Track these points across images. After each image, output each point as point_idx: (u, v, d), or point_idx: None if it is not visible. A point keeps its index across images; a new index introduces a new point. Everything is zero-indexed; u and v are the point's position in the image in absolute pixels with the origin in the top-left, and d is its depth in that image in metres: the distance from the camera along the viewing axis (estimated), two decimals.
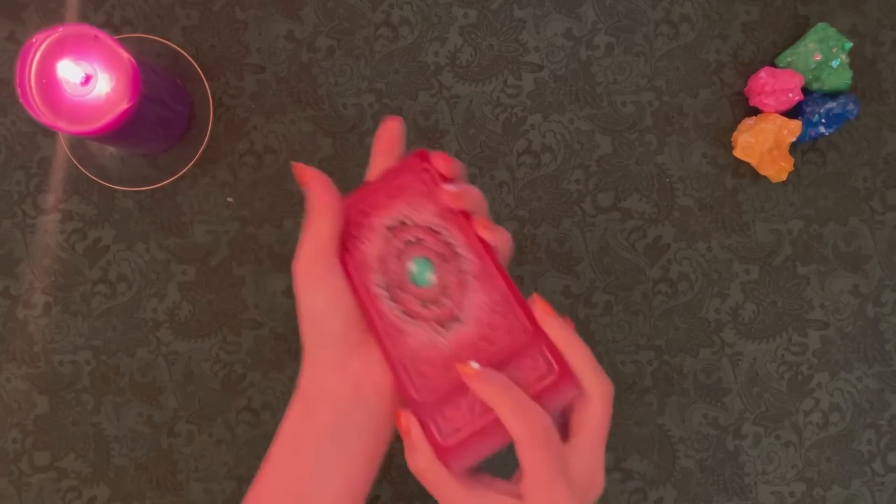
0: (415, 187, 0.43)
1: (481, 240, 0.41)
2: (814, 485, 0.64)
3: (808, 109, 0.62)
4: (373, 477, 0.42)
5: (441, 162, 0.42)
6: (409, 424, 0.39)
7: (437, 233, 0.42)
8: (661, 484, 0.64)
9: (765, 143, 0.61)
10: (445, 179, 0.42)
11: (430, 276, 0.41)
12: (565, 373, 0.39)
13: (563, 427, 0.41)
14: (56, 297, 0.63)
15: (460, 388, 0.39)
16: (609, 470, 0.63)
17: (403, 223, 0.42)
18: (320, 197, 0.41)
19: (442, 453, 0.38)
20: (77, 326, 0.63)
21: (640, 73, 0.64)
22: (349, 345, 0.41)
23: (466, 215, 0.42)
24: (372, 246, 0.42)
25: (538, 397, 0.38)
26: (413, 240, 0.42)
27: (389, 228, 0.42)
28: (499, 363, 0.39)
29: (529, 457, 0.37)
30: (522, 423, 0.37)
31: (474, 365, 0.39)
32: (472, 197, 0.42)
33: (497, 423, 0.38)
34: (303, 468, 0.41)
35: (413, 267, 0.41)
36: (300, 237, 0.41)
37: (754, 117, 0.62)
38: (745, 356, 0.64)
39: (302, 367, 0.42)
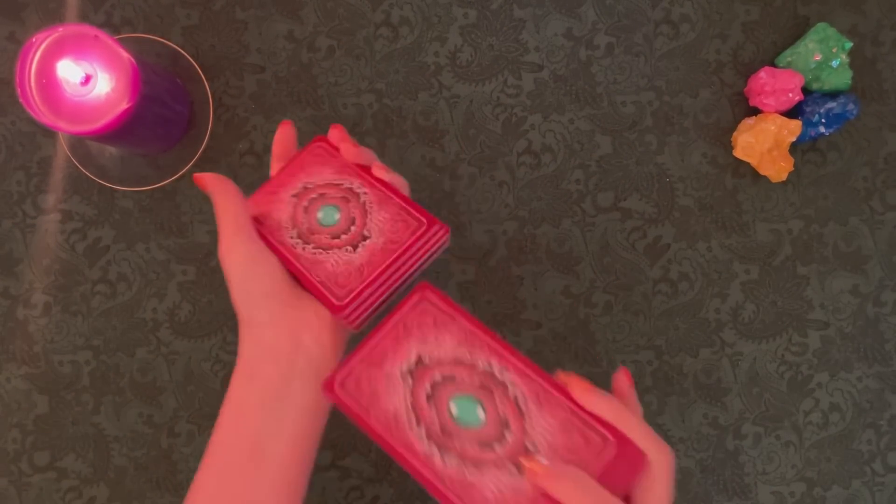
0: (312, 161, 0.48)
1: (379, 180, 0.46)
2: (814, 485, 0.64)
3: (808, 109, 0.62)
4: (321, 426, 0.44)
5: (336, 132, 0.48)
6: None
7: (337, 185, 0.46)
8: None
9: (765, 143, 0.61)
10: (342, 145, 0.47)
11: (336, 215, 0.45)
12: (622, 441, 0.37)
13: (625, 497, 0.38)
14: (56, 297, 0.63)
15: (373, 287, 0.42)
16: None
17: (306, 188, 0.47)
18: (218, 186, 0.45)
19: None
20: (77, 326, 0.63)
21: (640, 73, 0.64)
22: (282, 301, 0.43)
23: (364, 168, 0.47)
24: (281, 212, 0.46)
25: (601, 473, 0.36)
26: (316, 196, 0.46)
27: (294, 196, 0.47)
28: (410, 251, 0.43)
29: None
30: None
31: (542, 460, 0.36)
32: (365, 152, 0.47)
33: None
34: (251, 426, 0.42)
35: (320, 213, 0.45)
36: (217, 225, 0.44)
37: (754, 117, 0.62)
38: (745, 356, 0.64)
39: (240, 335, 0.43)
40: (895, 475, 0.64)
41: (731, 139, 0.63)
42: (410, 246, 0.43)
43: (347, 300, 0.42)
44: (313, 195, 0.47)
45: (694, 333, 0.64)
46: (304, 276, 0.43)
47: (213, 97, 0.63)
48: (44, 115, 0.51)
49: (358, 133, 0.63)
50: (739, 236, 0.64)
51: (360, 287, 0.42)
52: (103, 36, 0.51)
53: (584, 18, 0.64)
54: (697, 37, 0.64)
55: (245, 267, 0.43)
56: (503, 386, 0.38)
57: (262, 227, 0.46)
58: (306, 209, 0.46)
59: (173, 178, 0.63)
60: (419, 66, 0.64)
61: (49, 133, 0.63)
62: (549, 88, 0.64)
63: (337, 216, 0.45)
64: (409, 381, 0.39)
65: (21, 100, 0.51)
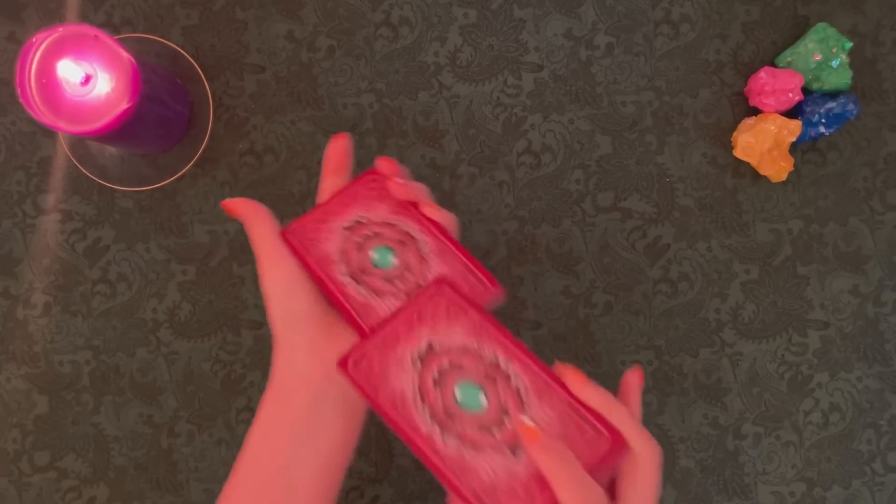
0: (366, 194, 0.46)
1: (433, 222, 0.44)
2: (814, 485, 0.64)
3: (808, 109, 0.62)
4: (350, 455, 0.43)
5: (385, 164, 0.46)
6: None
7: (393, 225, 0.45)
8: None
9: (765, 143, 0.61)
10: (391, 178, 0.45)
11: (391, 259, 0.44)
12: (617, 439, 0.39)
13: (609, 489, 0.40)
14: (56, 297, 0.63)
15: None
16: None
17: (360, 222, 0.45)
18: (250, 212, 0.44)
19: None
20: (77, 326, 0.63)
21: (640, 73, 0.64)
22: (319, 328, 0.42)
23: (415, 206, 0.45)
24: (332, 244, 0.44)
25: (588, 461, 0.38)
26: (371, 234, 0.45)
27: (347, 228, 0.45)
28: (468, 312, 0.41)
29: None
30: (576, 497, 0.36)
31: (527, 422, 0.38)
32: (417, 188, 0.45)
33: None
34: (280, 451, 0.41)
35: (374, 254, 0.44)
36: (253, 250, 0.44)
37: (754, 117, 0.62)
38: (745, 356, 0.64)
39: (274, 355, 0.43)
40: (895, 475, 0.64)
41: (731, 139, 0.63)
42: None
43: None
44: (367, 232, 0.45)
45: (694, 333, 0.64)
46: (355, 320, 0.42)
47: (213, 97, 0.63)
48: (44, 115, 0.51)
49: (358, 133, 0.63)
50: (739, 236, 0.64)
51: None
52: (103, 36, 0.51)
53: (584, 18, 0.64)
54: (697, 37, 0.64)
55: (284, 287, 0.43)
56: (507, 376, 0.40)
57: (307, 256, 0.44)
58: (359, 246, 0.45)
59: (173, 178, 0.63)
60: (419, 66, 0.64)
61: (49, 133, 0.63)
62: (549, 88, 0.64)
63: (392, 259, 0.44)
64: (419, 365, 0.40)
65: (21, 100, 0.51)
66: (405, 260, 0.44)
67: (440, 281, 0.42)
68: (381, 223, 0.45)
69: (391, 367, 0.41)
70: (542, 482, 0.37)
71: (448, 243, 0.44)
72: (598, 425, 0.39)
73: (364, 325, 0.42)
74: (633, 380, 0.42)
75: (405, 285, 0.43)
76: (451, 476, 0.38)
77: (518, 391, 0.40)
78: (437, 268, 0.43)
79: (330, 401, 0.42)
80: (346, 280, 0.43)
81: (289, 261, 0.43)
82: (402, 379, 0.40)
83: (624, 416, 0.39)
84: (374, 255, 0.44)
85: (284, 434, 0.42)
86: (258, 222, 0.44)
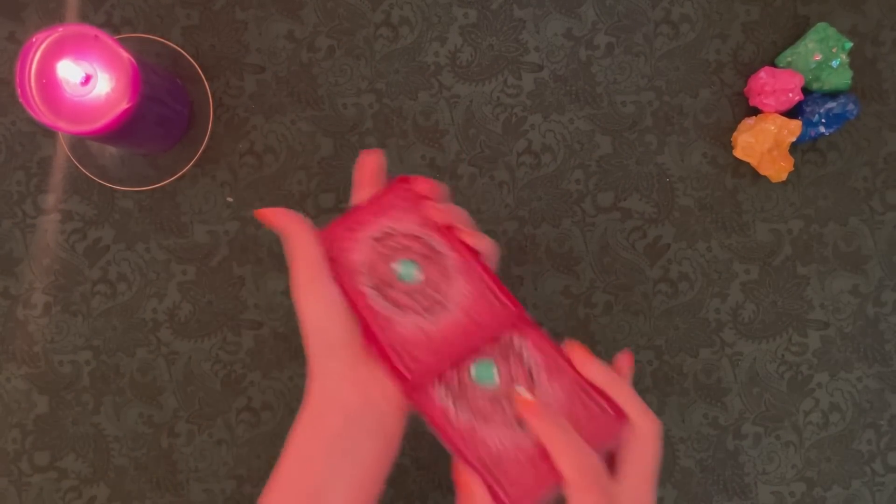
0: (397, 205, 0.45)
1: (464, 244, 0.44)
2: (814, 485, 0.64)
3: (808, 109, 0.62)
4: (383, 480, 0.43)
5: (424, 185, 0.45)
6: (473, 484, 0.40)
7: (421, 239, 0.44)
8: (660, 484, 0.64)
9: (765, 143, 0.61)
10: (429, 199, 0.45)
11: (415, 273, 0.43)
12: (619, 414, 0.41)
13: (609, 463, 0.41)
14: (56, 297, 0.63)
15: (452, 364, 0.41)
16: None
17: (388, 233, 0.44)
18: (290, 225, 0.43)
19: None
20: (77, 326, 0.63)
21: (640, 73, 0.64)
22: (355, 353, 0.42)
23: (450, 227, 0.44)
24: (359, 254, 0.44)
25: (592, 438, 0.40)
26: (399, 246, 0.44)
27: (375, 239, 0.44)
28: (490, 340, 0.42)
29: (578, 497, 0.38)
30: (573, 463, 0.38)
31: (524, 393, 0.40)
32: (456, 213, 0.45)
33: (550, 470, 0.39)
34: (314, 476, 0.41)
35: (399, 267, 0.44)
36: (291, 265, 0.42)
37: (754, 117, 0.62)
38: (745, 356, 0.64)
39: (309, 379, 0.42)
40: (895, 475, 0.64)
41: (731, 139, 0.63)
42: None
43: (416, 374, 0.41)
44: (394, 244, 0.45)
45: (694, 333, 0.64)
46: (373, 333, 0.42)
47: (213, 97, 0.63)
48: (44, 115, 0.51)
49: (358, 133, 0.63)
50: (739, 236, 0.64)
51: (434, 363, 0.42)
52: (103, 36, 0.51)
53: (584, 18, 0.64)
54: (697, 37, 0.64)
55: (324, 314, 0.42)
56: (519, 355, 0.42)
57: (335, 265, 0.44)
58: (385, 258, 0.44)
59: (173, 178, 0.63)
60: (419, 66, 0.64)
61: (49, 133, 0.63)
62: (549, 88, 0.64)
63: (416, 274, 0.44)
64: (375, 244, 0.44)
65: (21, 100, 0.51)
66: (429, 275, 0.44)
67: (403, 179, 0.45)
68: (409, 235, 0.45)
69: (350, 243, 0.43)
70: (545, 454, 0.39)
71: (475, 263, 0.44)
72: (604, 404, 0.41)
73: (382, 341, 0.42)
74: (625, 362, 0.44)
75: (427, 301, 0.43)
76: (460, 442, 0.40)
77: (530, 369, 0.42)
78: (461, 286, 0.43)
79: (365, 426, 0.41)
80: (370, 292, 0.43)
81: (330, 283, 0.42)
82: (359, 251, 0.43)
83: (625, 391, 0.41)
84: (398, 267, 0.44)
85: (317, 461, 0.41)
86: (300, 236, 0.43)
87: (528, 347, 0.43)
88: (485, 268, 0.44)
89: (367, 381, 0.41)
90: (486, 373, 0.42)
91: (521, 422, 0.41)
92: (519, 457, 0.40)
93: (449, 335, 0.42)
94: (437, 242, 0.44)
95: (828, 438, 0.64)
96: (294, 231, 0.43)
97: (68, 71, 0.51)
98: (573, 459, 0.38)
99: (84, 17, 0.63)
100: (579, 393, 0.42)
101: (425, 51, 0.64)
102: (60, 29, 0.51)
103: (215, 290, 0.63)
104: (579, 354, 0.42)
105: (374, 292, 0.43)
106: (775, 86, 0.61)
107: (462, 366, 0.42)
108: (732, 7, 0.64)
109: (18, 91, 0.51)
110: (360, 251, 0.44)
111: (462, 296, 0.43)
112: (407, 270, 0.44)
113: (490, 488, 0.40)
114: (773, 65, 0.64)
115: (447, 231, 0.44)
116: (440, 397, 0.41)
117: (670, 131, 0.64)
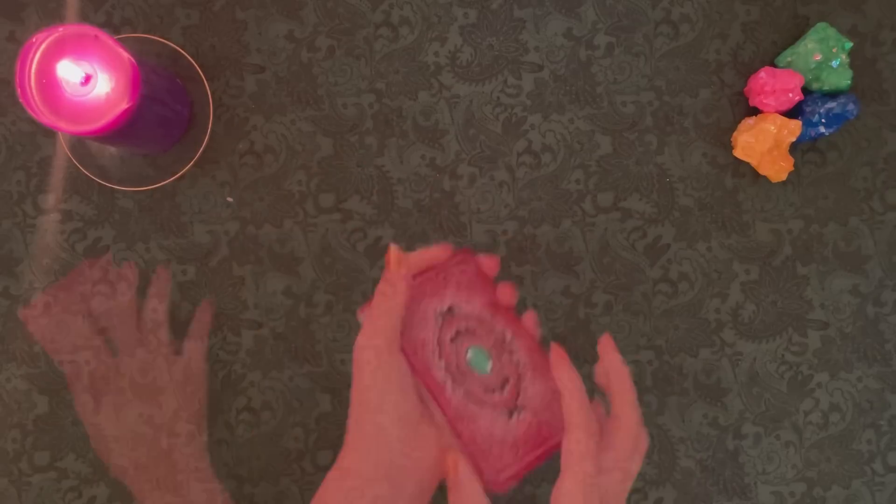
0: (458, 279, 0.46)
1: (525, 329, 0.46)
2: (814, 485, 0.64)
3: (808, 109, 0.62)
4: None
5: (491, 264, 0.47)
6: (459, 463, 0.42)
7: (485, 322, 0.45)
8: (661, 484, 0.64)
9: (765, 143, 0.61)
10: (489, 276, 0.47)
11: (487, 365, 0.44)
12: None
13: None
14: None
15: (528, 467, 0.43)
16: None
17: (452, 310, 0.45)
18: (404, 292, 0.43)
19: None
20: None
21: (640, 73, 0.64)
22: (412, 427, 0.42)
23: (510, 308, 0.46)
24: (427, 332, 0.44)
25: (553, 435, 0.44)
26: (464, 329, 0.45)
27: (441, 315, 0.45)
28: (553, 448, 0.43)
29: (577, 437, 0.41)
30: (581, 407, 0.42)
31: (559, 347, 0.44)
32: (516, 294, 0.47)
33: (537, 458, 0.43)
34: None
35: (471, 354, 0.44)
36: (371, 317, 0.42)
37: (754, 117, 0.62)
38: (745, 356, 0.64)
39: (349, 443, 0.43)
40: (895, 475, 0.64)
41: (731, 139, 0.63)
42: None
43: (504, 479, 0.42)
44: (461, 325, 0.45)
45: (694, 333, 0.64)
46: (454, 426, 0.42)
47: (213, 97, 0.63)
48: (44, 115, 0.51)
49: (358, 133, 0.63)
50: (739, 236, 0.64)
51: (518, 468, 0.42)
52: (103, 36, 0.51)
53: (584, 18, 0.64)
54: (697, 37, 0.64)
55: (398, 388, 0.42)
56: (511, 352, 0.45)
57: (403, 339, 0.43)
58: (453, 340, 0.44)
59: (173, 178, 0.63)
60: (419, 66, 0.64)
61: (49, 133, 0.63)
62: (549, 88, 0.64)
63: (489, 366, 0.44)
64: (440, 321, 0.45)
65: (21, 100, 0.51)
66: (502, 370, 0.44)
67: (464, 252, 0.46)
68: (474, 317, 0.45)
69: (416, 317, 0.44)
70: (528, 443, 0.43)
71: (545, 361, 0.45)
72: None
73: (464, 436, 0.42)
74: (606, 341, 0.46)
75: (505, 400, 0.43)
76: (455, 420, 0.42)
77: (518, 366, 0.45)
78: (533, 387, 0.44)
79: (407, 496, 0.42)
80: (447, 380, 0.43)
81: (402, 367, 0.42)
82: (426, 329, 0.44)
83: (574, 401, 0.42)
84: (469, 354, 0.44)
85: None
86: (398, 310, 0.43)
87: (519, 346, 0.45)
88: (544, 356, 0.45)
89: (417, 452, 0.42)
90: (480, 360, 0.44)
91: (510, 411, 0.43)
92: (506, 440, 0.42)
93: (529, 438, 0.43)
94: (504, 331, 0.45)
95: (828, 438, 0.64)
96: (401, 294, 0.43)
97: (68, 71, 0.51)
98: (581, 404, 0.42)
99: (84, 17, 0.63)
100: (556, 391, 0.44)
101: (425, 51, 0.63)
102: (60, 29, 0.51)
103: (215, 290, 0.63)
104: (554, 355, 0.44)
105: (451, 381, 0.43)
106: (775, 86, 0.61)
107: (461, 347, 0.44)
108: (732, 7, 0.64)
109: (18, 91, 0.51)
110: (426, 327, 0.44)
111: (536, 397, 0.44)
112: (479, 360, 0.44)
113: (472, 458, 0.41)
114: (773, 65, 0.64)
115: (507, 314, 0.46)
116: (440, 373, 0.43)
117: (670, 131, 0.64)
